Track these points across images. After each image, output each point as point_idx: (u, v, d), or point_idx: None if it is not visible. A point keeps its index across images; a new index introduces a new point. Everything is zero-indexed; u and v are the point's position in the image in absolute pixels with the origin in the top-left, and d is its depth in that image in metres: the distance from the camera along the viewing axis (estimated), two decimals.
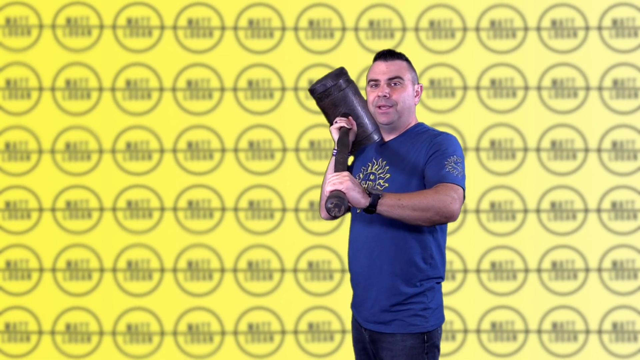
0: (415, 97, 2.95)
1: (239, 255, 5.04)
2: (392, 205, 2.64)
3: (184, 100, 5.06)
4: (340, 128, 2.99)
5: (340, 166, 2.78)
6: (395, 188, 2.84)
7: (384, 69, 2.91)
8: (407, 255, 2.82)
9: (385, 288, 2.85)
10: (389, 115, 2.90)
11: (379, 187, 2.88)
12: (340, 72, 3.09)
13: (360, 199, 2.62)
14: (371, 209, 2.65)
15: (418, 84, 2.97)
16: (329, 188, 2.63)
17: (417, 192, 2.69)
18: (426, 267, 2.85)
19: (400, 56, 2.94)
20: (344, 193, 2.61)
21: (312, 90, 3.10)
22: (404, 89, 2.90)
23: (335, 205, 2.57)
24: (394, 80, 2.90)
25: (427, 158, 2.81)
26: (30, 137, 5.05)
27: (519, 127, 5.02)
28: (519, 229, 5.01)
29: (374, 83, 2.93)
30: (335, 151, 2.94)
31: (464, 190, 2.74)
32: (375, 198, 2.63)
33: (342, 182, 2.62)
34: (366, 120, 3.08)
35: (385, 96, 2.88)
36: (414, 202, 2.65)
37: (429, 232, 2.85)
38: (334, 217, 2.67)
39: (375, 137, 3.06)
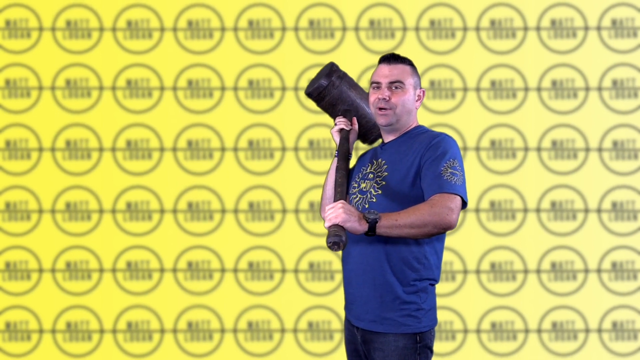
0: (417, 101, 2.99)
1: (239, 257, 5.05)
2: (390, 226, 2.67)
3: (185, 99, 5.06)
4: (341, 130, 3.03)
5: (338, 188, 2.80)
6: (392, 186, 2.87)
7: (386, 72, 2.96)
8: (400, 254, 2.85)
9: (378, 285, 2.86)
10: (387, 117, 2.95)
11: (376, 184, 2.91)
12: (331, 70, 3.10)
13: (357, 227, 2.64)
14: (370, 233, 2.67)
15: (420, 88, 3.01)
16: (326, 224, 2.64)
17: (413, 209, 2.71)
18: (419, 267, 2.86)
19: (404, 60, 2.99)
20: (341, 227, 2.62)
21: (308, 94, 3.11)
22: (404, 93, 2.95)
23: (334, 243, 2.57)
24: (395, 84, 2.94)
25: (424, 160, 2.84)
26: (30, 135, 5.06)
27: (519, 127, 5.02)
28: (519, 229, 5.01)
29: (376, 85, 2.98)
30: (337, 152, 2.98)
31: (462, 197, 2.77)
32: (372, 223, 2.66)
33: (337, 215, 2.63)
34: (367, 111, 3.13)
35: (385, 99, 2.93)
36: (411, 219, 2.68)
37: None
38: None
39: None
